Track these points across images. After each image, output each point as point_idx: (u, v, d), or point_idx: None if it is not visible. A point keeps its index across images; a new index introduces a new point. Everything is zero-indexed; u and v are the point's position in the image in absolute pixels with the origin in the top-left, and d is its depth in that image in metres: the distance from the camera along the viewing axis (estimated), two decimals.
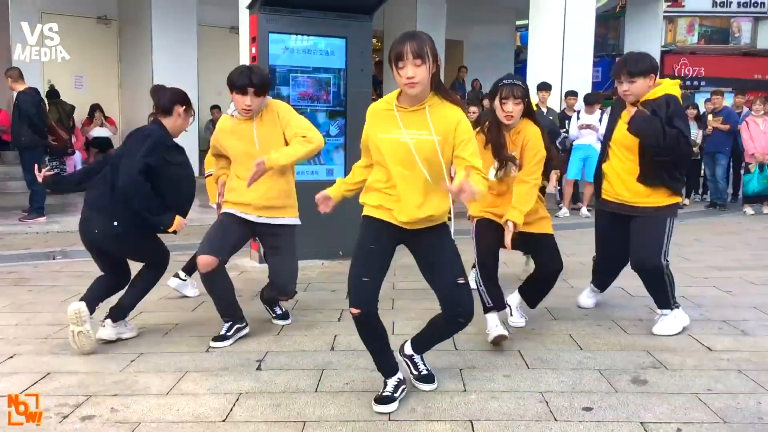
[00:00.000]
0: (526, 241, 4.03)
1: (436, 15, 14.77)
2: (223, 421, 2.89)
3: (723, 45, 24.60)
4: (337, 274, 5.71)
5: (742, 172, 11.48)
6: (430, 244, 3.00)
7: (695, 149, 11.25)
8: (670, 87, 3.92)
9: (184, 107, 3.93)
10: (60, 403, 3.06)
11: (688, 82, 23.86)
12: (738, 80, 22.26)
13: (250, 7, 6.41)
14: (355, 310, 2.90)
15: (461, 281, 2.95)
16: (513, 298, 4.27)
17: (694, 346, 3.87)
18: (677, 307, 4.11)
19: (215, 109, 12.80)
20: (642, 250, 3.96)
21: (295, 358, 3.67)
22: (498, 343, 3.80)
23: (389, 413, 2.93)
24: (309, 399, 3.12)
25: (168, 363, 3.60)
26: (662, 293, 4.03)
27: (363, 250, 2.97)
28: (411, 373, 3.23)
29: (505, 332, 3.82)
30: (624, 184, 4.01)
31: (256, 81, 3.80)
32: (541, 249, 4.00)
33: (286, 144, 3.91)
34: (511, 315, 4.25)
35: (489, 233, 3.92)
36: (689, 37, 25.22)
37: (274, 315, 4.39)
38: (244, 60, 8.68)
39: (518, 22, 18.49)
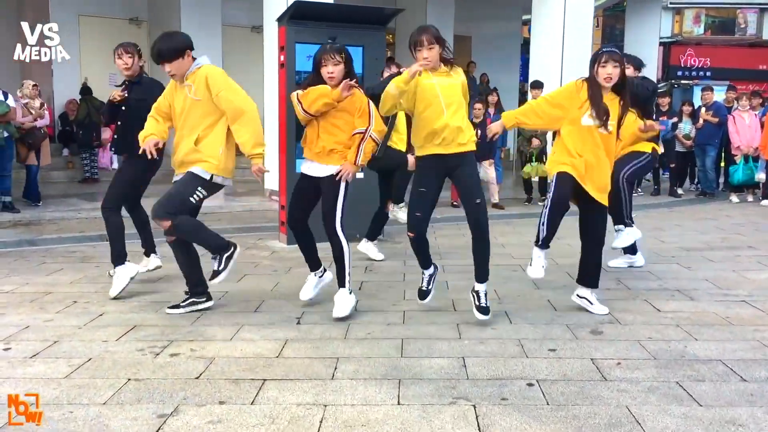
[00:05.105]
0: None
1: (444, 12, 15.60)
2: (277, 357, 3.84)
3: (729, 36, 25.14)
4: (355, 252, 6.63)
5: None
6: (465, 173, 4.36)
7: (688, 142, 12.13)
8: None
9: None
10: (150, 346, 4.02)
11: (693, 74, 24.53)
12: (743, 71, 22.90)
13: (279, 20, 7.32)
14: (411, 234, 4.41)
15: (478, 201, 4.28)
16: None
17: (647, 308, 4.80)
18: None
19: None
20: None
21: (326, 317, 4.60)
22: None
23: (426, 302, 4.60)
24: (340, 343, 4.07)
25: (226, 319, 4.55)
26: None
27: (417, 192, 4.38)
28: (474, 304, 4.42)
29: (539, 275, 4.49)
30: None
31: (160, 51, 4.43)
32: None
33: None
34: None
35: (568, 182, 4.43)
36: (696, 28, 25.73)
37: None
38: (270, 65, 9.62)
39: (524, 17, 19.25)
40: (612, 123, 4.43)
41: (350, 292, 4.63)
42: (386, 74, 6.89)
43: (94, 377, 3.53)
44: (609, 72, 4.36)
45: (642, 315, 4.62)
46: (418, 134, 4.36)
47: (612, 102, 4.45)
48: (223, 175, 4.60)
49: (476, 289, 4.45)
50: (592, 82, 4.45)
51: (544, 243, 4.49)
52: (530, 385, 3.43)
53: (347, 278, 4.58)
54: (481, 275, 4.44)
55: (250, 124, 4.45)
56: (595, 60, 4.44)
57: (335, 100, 4.41)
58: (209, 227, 4.69)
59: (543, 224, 4.45)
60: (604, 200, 4.53)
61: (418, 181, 4.42)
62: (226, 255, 4.60)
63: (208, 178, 4.52)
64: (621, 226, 5.76)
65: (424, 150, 4.36)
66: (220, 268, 4.59)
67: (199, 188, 4.53)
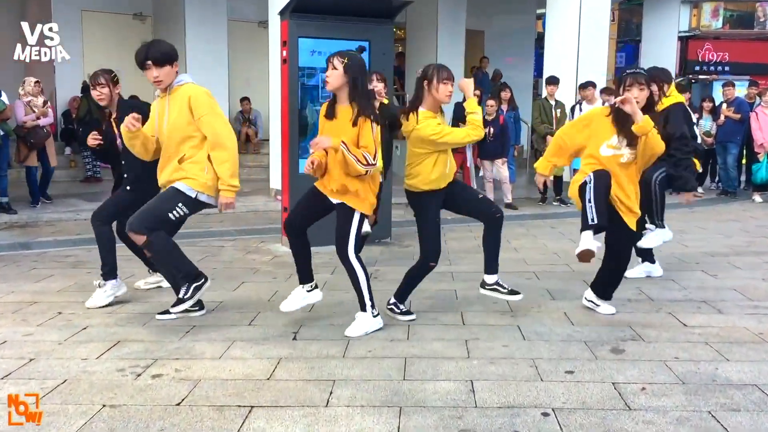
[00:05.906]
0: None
1: (456, 6, 15.19)
2: (268, 379, 3.52)
3: (748, 30, 24.57)
4: None
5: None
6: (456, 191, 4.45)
7: (709, 140, 11.68)
8: None
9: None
10: (132, 365, 3.72)
11: (711, 68, 23.98)
12: (763, 65, 22.36)
13: (281, 13, 6.99)
14: (433, 264, 4.41)
15: (481, 196, 4.61)
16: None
17: (672, 322, 4.43)
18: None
19: (245, 100, 13.44)
20: None
21: (325, 331, 4.29)
22: (583, 258, 4.12)
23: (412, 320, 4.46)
24: (337, 363, 3.74)
25: (217, 334, 4.24)
26: None
27: (435, 225, 4.40)
28: (500, 293, 4.48)
29: (593, 248, 4.07)
30: None
31: (151, 54, 4.20)
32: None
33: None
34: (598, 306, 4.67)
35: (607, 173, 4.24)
36: (714, 22, 25.16)
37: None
38: (275, 59, 9.29)
39: (538, 11, 18.79)
40: (634, 151, 4.29)
41: (375, 316, 4.25)
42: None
43: (67, 402, 3.22)
44: (635, 95, 4.21)
45: (666, 330, 4.25)
46: (434, 173, 4.28)
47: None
48: (208, 194, 4.37)
49: (492, 281, 4.51)
50: (616, 107, 4.26)
51: (594, 224, 4.08)
52: (545, 414, 3.09)
53: (367, 303, 4.21)
54: (493, 264, 4.50)
55: (230, 154, 4.30)
56: (620, 83, 4.39)
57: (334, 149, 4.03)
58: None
59: (590, 201, 4.12)
60: (632, 223, 4.35)
61: (434, 214, 4.41)
62: (195, 285, 4.35)
63: (193, 195, 4.31)
64: (651, 226, 5.50)
65: (434, 185, 4.33)
66: (185, 297, 4.34)
67: (181, 204, 4.30)
